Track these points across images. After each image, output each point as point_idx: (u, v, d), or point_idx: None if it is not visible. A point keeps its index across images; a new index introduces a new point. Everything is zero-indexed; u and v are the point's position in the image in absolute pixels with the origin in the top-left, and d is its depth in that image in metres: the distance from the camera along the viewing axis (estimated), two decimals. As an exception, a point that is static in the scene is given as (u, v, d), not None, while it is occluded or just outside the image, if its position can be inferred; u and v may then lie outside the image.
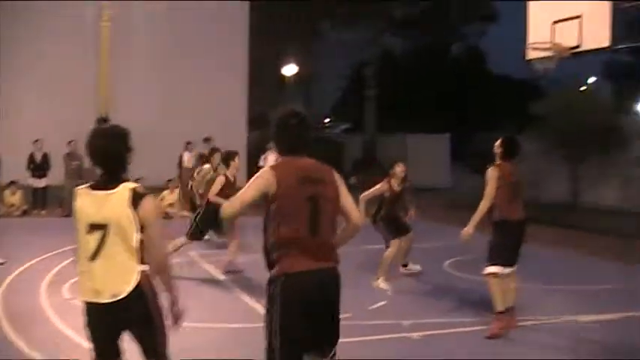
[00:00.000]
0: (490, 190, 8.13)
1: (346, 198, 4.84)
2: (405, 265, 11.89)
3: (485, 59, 74.44)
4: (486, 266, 8.14)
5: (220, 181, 11.44)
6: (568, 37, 13.41)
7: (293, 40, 40.00)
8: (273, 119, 4.86)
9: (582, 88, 49.31)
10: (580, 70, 68.72)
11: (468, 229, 8.25)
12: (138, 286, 4.47)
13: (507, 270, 8.06)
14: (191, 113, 26.62)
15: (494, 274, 8.05)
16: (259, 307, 8.77)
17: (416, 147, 32.27)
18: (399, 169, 11.77)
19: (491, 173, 8.18)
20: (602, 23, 12.96)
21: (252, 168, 23.37)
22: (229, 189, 10.83)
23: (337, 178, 4.83)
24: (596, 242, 16.11)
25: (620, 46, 14.58)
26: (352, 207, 4.90)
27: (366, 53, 39.18)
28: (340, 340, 7.39)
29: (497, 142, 8.35)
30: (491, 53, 71.84)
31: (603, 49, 13.34)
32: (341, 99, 76.34)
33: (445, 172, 31.46)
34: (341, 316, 8.26)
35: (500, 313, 8.04)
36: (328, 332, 4.87)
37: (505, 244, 8.07)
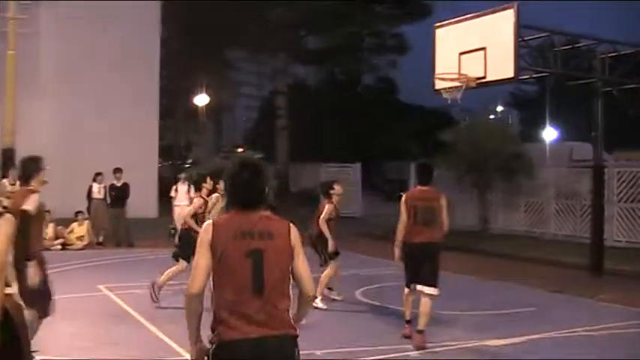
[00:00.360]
0: (401, 215, 8.99)
1: (302, 262, 4.21)
2: (330, 289, 11.89)
3: (396, 89, 75.69)
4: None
5: (199, 203, 11.73)
6: (474, 68, 13.79)
7: (204, 70, 39.89)
8: (226, 171, 4.30)
9: (491, 117, 50.67)
10: (490, 99, 70.65)
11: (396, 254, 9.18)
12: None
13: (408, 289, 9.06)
14: (102, 144, 26.19)
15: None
16: (169, 341, 8.66)
17: (328, 177, 32.46)
18: (338, 187, 11.83)
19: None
20: (506, 55, 13.37)
21: (163, 199, 23.13)
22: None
23: (294, 234, 4.21)
24: (504, 267, 16.45)
25: (525, 77, 15.04)
26: (306, 274, 4.25)
27: (277, 83, 39.31)
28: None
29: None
30: (403, 83, 72.99)
31: (509, 79, 13.74)
32: (253, 128, 76.43)
33: (356, 201, 31.68)
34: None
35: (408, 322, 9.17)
36: None
37: (406, 265, 9.07)
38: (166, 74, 35.53)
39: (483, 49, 13.64)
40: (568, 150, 30.50)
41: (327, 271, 11.42)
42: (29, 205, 6.40)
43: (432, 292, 8.85)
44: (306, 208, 33.78)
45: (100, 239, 18.97)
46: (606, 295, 12.71)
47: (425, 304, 8.78)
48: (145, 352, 8.18)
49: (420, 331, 8.70)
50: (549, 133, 40.85)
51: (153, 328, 9.40)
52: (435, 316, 10.69)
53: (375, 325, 10.17)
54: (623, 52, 15.32)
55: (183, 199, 19.22)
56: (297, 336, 4.03)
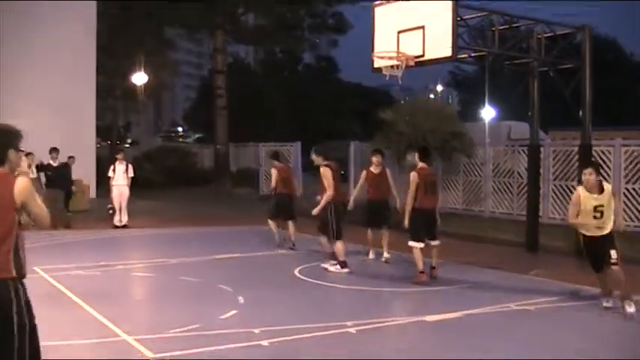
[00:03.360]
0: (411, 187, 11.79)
1: (33, 207, 4.72)
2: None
3: (336, 69, 75.85)
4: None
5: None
6: (413, 47, 13.84)
7: (143, 49, 39.32)
8: None
9: (431, 97, 51.07)
10: (430, 79, 71.32)
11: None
12: None
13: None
14: (37, 124, 25.61)
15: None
16: (106, 321, 8.58)
17: (269, 156, 32.39)
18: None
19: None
20: (445, 34, 13.43)
21: (102, 179, 22.79)
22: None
23: (18, 188, 4.66)
24: (442, 245, 16.61)
25: (463, 56, 15.15)
26: (42, 212, 4.78)
27: (216, 62, 38.94)
28: (189, 351, 7.35)
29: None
30: (344, 63, 73.24)
31: (447, 58, 13.82)
32: (193, 108, 75.78)
33: (296, 181, 31.60)
34: (189, 327, 8.21)
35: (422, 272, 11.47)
36: None
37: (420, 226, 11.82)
38: (104, 53, 34.88)
39: (422, 27, 13.69)
40: (506, 129, 30.95)
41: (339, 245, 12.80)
42: None
43: (439, 243, 12.13)
44: (246, 187, 33.85)
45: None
46: (540, 270, 12.98)
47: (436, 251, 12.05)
48: (82, 333, 8.11)
49: (434, 267, 11.94)
50: (488, 113, 41.29)
51: (89, 309, 9.29)
52: (374, 293, 10.91)
53: (314, 302, 10.22)
54: (559, 33, 15.55)
55: (121, 179, 19.00)
56: (12, 278, 4.62)
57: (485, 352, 7.66)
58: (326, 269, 12.76)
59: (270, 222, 15.82)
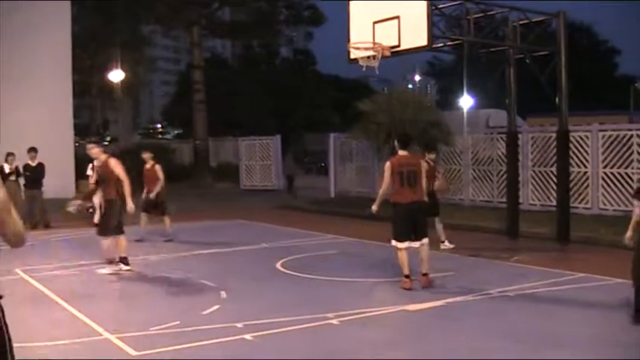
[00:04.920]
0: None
1: None
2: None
3: (314, 61, 75.84)
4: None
5: None
6: (388, 37, 13.85)
7: (119, 46, 39.10)
8: None
9: (409, 86, 51.16)
10: (408, 69, 71.48)
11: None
12: None
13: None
14: (16, 124, 25.41)
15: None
16: (87, 320, 8.55)
17: (247, 150, 32.41)
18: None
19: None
20: (420, 23, 13.45)
21: (81, 176, 22.65)
22: None
23: None
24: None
25: (439, 45, 15.18)
26: None
27: (193, 57, 38.80)
28: (171, 348, 7.34)
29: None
30: (321, 55, 73.25)
31: (423, 47, 13.84)
32: (171, 104, 75.42)
33: (276, 174, 31.68)
34: (171, 323, 8.19)
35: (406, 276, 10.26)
36: None
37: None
38: (79, 51, 34.66)
39: (397, 17, 13.71)
40: (484, 117, 31.13)
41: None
42: None
43: (425, 243, 10.47)
44: (227, 182, 33.81)
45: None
46: (521, 257, 13.06)
47: (424, 253, 10.43)
48: (63, 332, 8.05)
49: (426, 274, 10.38)
50: (466, 101, 41.42)
51: (70, 309, 9.24)
52: (356, 284, 10.93)
53: (297, 295, 10.22)
54: (534, 20, 15.62)
55: (101, 177, 18.89)
56: None
57: (466, 339, 7.69)
58: (113, 273, 11.94)
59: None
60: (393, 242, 10.45)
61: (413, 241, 10.34)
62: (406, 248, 10.31)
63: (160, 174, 16.08)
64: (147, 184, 16.23)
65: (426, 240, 10.44)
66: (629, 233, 8.10)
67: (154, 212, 16.31)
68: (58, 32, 28.25)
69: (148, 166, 16.32)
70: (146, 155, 16.56)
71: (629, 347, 7.27)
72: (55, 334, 7.97)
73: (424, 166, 13.92)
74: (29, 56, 26.53)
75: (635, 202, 8.05)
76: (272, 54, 71.14)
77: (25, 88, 26.31)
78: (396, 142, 10.96)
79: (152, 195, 15.98)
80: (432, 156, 14.55)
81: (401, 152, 10.63)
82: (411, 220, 10.35)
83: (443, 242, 14.21)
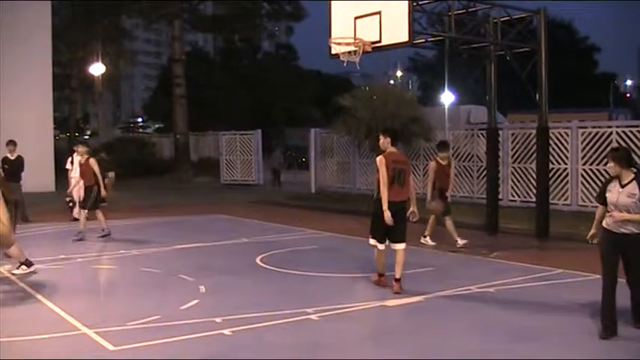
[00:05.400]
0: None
1: None
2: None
3: (296, 56, 75.79)
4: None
5: None
6: (369, 32, 13.84)
7: (100, 39, 38.90)
8: None
9: (391, 82, 51.21)
10: (390, 65, 71.58)
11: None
12: None
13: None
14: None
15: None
16: (66, 315, 8.50)
17: (229, 144, 32.33)
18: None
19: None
20: (401, 19, 13.44)
21: (59, 170, 22.53)
22: None
23: None
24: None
25: (419, 41, 15.18)
26: None
27: (174, 51, 38.63)
28: (149, 343, 7.31)
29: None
30: (303, 50, 73.28)
31: (404, 43, 13.83)
32: (152, 98, 75.16)
33: (257, 169, 31.62)
34: (149, 318, 8.17)
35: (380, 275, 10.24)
36: None
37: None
38: (60, 44, 34.46)
39: (378, 13, 13.69)
40: (465, 113, 31.22)
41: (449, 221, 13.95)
42: None
43: (403, 247, 9.94)
44: (207, 176, 33.75)
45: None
46: (500, 253, 13.11)
47: (401, 257, 9.90)
48: (41, 328, 7.99)
49: (398, 279, 9.80)
50: (447, 97, 41.48)
51: (49, 304, 9.18)
52: (335, 280, 10.93)
53: (276, 290, 10.20)
54: (515, 17, 15.67)
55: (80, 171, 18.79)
56: None
57: (445, 335, 7.72)
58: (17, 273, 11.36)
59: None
60: (372, 241, 10.03)
61: (392, 242, 9.92)
62: (384, 249, 10.00)
63: (96, 168, 15.54)
64: (83, 179, 15.79)
65: (403, 244, 9.88)
66: (592, 231, 7.93)
67: (93, 208, 15.61)
68: (38, 24, 28.02)
69: (82, 160, 15.80)
70: (80, 149, 16.04)
71: (609, 342, 7.33)
72: (32, 329, 7.92)
73: (432, 166, 14.19)
74: (8, 49, 26.32)
75: (608, 162, 7.70)
76: (253, 48, 71.00)
77: (4, 81, 26.09)
78: (382, 138, 10.15)
79: (102, 191, 15.63)
80: (444, 154, 14.38)
81: (390, 149, 10.02)
82: (394, 219, 9.70)
83: (456, 241, 13.90)
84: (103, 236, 15.56)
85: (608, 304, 7.51)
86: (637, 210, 7.35)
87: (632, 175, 7.45)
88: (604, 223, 7.67)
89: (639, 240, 7.44)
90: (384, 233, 9.90)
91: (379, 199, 9.81)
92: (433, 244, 14.17)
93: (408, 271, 11.34)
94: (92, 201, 15.57)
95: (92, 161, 15.58)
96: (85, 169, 15.71)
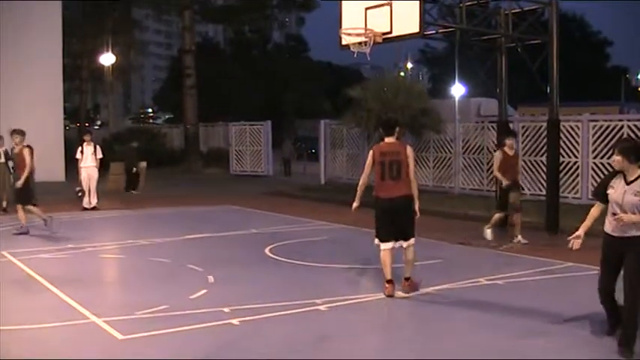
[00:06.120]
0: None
1: None
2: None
3: (306, 47, 75.76)
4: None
5: None
6: (380, 23, 13.80)
7: (110, 30, 38.93)
8: None
9: (401, 74, 51.10)
10: (400, 56, 71.41)
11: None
12: None
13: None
14: (4, 107, 25.23)
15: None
16: (74, 303, 8.51)
17: (238, 135, 32.35)
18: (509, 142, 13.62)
19: None
20: (412, 10, 13.39)
21: (71, 161, 22.57)
22: None
23: None
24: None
25: (430, 32, 15.13)
26: None
27: (185, 42, 38.59)
28: (158, 332, 7.33)
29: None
30: (314, 42, 73.25)
31: (414, 34, 13.79)
32: (162, 89, 75.23)
33: (267, 160, 31.62)
34: (158, 308, 8.18)
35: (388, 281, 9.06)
36: None
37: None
38: (70, 34, 34.48)
39: (389, 4, 13.65)
40: (476, 106, 31.06)
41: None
42: None
43: (411, 244, 9.15)
44: (217, 167, 33.77)
45: (4, 205, 18.31)
46: (510, 245, 13.06)
47: (410, 255, 9.20)
48: (50, 316, 8.02)
49: (408, 278, 9.18)
50: (458, 90, 41.41)
51: (58, 292, 9.20)
52: (344, 271, 10.90)
53: (285, 281, 10.19)
54: (526, 9, 15.58)
55: (90, 161, 18.83)
56: None
57: (453, 327, 7.70)
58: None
59: None
60: (376, 241, 9.20)
61: (398, 240, 9.06)
62: (390, 249, 9.06)
63: (28, 158, 14.40)
64: (17, 170, 14.75)
65: (411, 241, 9.12)
66: (579, 232, 7.20)
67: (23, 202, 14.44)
68: (49, 15, 28.04)
69: (16, 149, 14.79)
70: (16, 138, 14.67)
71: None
72: (41, 318, 7.94)
73: (498, 157, 13.53)
74: (20, 40, 26.37)
75: (615, 155, 6.71)
76: (264, 39, 70.94)
77: (15, 71, 26.16)
78: (380, 129, 9.59)
79: (19, 183, 14.29)
80: (510, 142, 13.64)
81: (386, 139, 9.21)
82: (392, 218, 9.00)
83: (516, 237, 13.38)
84: (18, 234, 14.31)
85: (610, 307, 7.01)
86: None
87: (639, 172, 6.61)
88: (606, 228, 6.85)
89: (638, 242, 6.61)
90: (387, 231, 9.05)
91: (376, 196, 9.11)
92: (526, 241, 13.33)
93: (416, 263, 11.35)
94: (28, 193, 14.52)
95: (26, 151, 14.41)
96: (20, 159, 14.56)
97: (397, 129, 9.29)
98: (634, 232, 6.59)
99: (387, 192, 8.97)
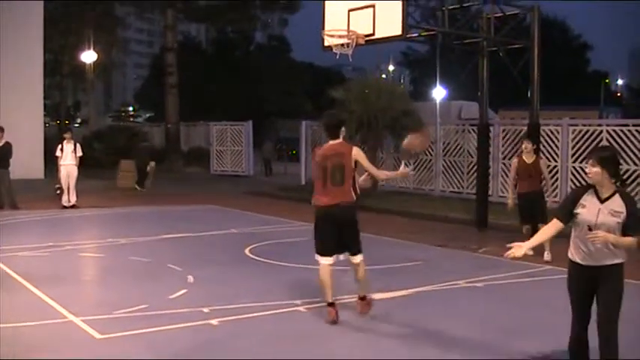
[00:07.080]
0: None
1: None
2: None
3: (289, 48, 75.73)
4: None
5: None
6: (363, 25, 13.84)
7: (92, 27, 38.70)
8: None
9: (383, 76, 51.19)
10: (382, 58, 71.59)
11: None
12: None
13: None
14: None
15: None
16: (52, 302, 8.47)
17: (219, 135, 32.30)
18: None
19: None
20: (395, 12, 13.45)
21: (49, 157, 22.47)
22: None
23: None
24: (393, 223, 16.75)
25: (413, 35, 15.19)
26: None
27: (167, 40, 38.44)
28: (136, 332, 7.30)
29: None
30: (296, 42, 73.25)
31: (397, 37, 13.84)
32: (144, 87, 74.96)
33: (247, 160, 31.58)
34: (136, 307, 8.16)
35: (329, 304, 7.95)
36: None
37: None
38: (51, 30, 34.22)
39: (372, 6, 13.70)
40: (457, 109, 31.21)
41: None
42: None
43: (359, 260, 8.06)
44: (197, 166, 33.69)
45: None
46: (489, 248, 13.13)
47: (360, 273, 8.16)
48: (27, 315, 7.98)
49: (363, 297, 8.26)
50: (439, 92, 41.50)
51: (36, 291, 9.14)
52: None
53: (264, 281, 10.19)
54: (508, 13, 15.68)
55: (70, 159, 18.72)
56: None
57: (432, 329, 7.73)
58: None
59: None
60: (316, 256, 8.06)
61: (341, 254, 8.01)
62: (330, 264, 7.96)
63: None
64: None
65: (359, 257, 8.04)
66: (523, 250, 5.81)
67: None
68: (30, 11, 27.85)
69: None
70: None
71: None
72: (19, 317, 7.89)
73: (513, 164, 12.42)
74: (0, 35, 26.17)
75: (590, 165, 5.52)
76: (246, 39, 70.83)
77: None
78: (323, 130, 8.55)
79: None
80: (529, 145, 12.26)
81: (330, 142, 8.09)
82: (333, 229, 7.90)
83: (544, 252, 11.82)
84: None
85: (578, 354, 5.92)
86: (619, 234, 5.46)
87: (614, 188, 5.54)
88: (572, 256, 5.76)
89: (616, 270, 5.58)
90: (327, 244, 7.95)
91: (316, 205, 8.12)
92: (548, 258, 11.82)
93: (395, 265, 11.41)
94: None
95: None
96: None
97: (342, 129, 8.10)
98: (609, 261, 5.55)
99: (328, 199, 7.86)
